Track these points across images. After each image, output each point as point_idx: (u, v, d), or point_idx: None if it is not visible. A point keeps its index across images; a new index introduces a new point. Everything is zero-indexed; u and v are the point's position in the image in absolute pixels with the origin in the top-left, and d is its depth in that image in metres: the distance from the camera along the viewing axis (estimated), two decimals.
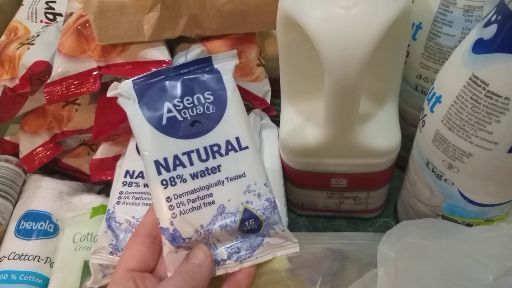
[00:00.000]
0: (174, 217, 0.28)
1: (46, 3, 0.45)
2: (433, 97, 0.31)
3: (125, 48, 0.37)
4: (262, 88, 0.42)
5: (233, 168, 0.29)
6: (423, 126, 0.33)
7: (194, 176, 0.28)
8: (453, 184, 0.33)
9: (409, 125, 0.42)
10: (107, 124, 0.41)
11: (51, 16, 0.45)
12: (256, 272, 0.30)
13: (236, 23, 0.39)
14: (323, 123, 0.34)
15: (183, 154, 0.28)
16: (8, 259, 0.39)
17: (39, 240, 0.41)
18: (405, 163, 0.40)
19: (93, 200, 0.42)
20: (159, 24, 0.36)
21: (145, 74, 0.29)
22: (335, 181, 0.40)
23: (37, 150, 0.45)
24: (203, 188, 0.28)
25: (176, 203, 0.28)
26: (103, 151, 0.45)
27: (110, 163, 0.44)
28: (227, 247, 0.29)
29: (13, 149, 0.46)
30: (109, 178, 0.44)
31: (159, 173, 0.28)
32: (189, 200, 0.28)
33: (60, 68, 0.38)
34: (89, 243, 0.39)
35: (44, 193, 0.44)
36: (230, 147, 0.29)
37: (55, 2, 0.46)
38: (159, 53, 0.38)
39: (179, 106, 0.29)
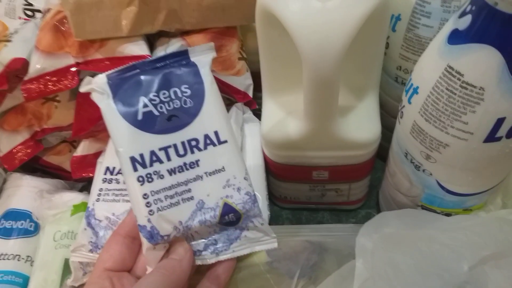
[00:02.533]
0: (151, 214, 0.27)
1: None
2: (410, 88, 0.31)
3: (103, 44, 0.37)
4: (243, 82, 0.42)
5: (212, 163, 0.28)
6: (401, 118, 0.33)
7: (171, 171, 0.28)
8: (431, 174, 0.33)
9: (390, 117, 0.42)
10: (87, 121, 0.41)
11: (30, 13, 0.44)
12: (235, 266, 0.30)
13: (216, 17, 0.38)
14: (303, 116, 0.35)
15: (160, 149, 0.28)
16: None
17: (20, 239, 0.40)
18: (385, 153, 0.40)
19: (74, 197, 0.42)
20: (138, 19, 0.36)
21: (119, 68, 0.28)
22: (316, 174, 0.40)
23: (17, 148, 0.44)
24: (181, 184, 0.28)
25: (153, 200, 0.27)
26: (84, 148, 0.44)
27: (91, 160, 0.44)
28: (204, 239, 0.29)
29: None
30: (91, 175, 0.43)
31: (135, 169, 0.27)
32: (166, 197, 0.27)
33: (38, 64, 0.37)
34: (69, 241, 0.39)
35: (24, 192, 0.44)
36: (208, 142, 0.28)
37: None
38: (138, 48, 0.37)
39: (155, 100, 0.28)
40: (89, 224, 0.34)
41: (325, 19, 0.29)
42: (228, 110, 0.43)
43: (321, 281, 0.29)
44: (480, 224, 0.30)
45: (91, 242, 0.34)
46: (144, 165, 0.27)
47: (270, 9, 0.31)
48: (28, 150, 0.44)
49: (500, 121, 0.27)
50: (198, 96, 0.29)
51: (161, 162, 0.28)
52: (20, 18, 0.45)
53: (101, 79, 0.28)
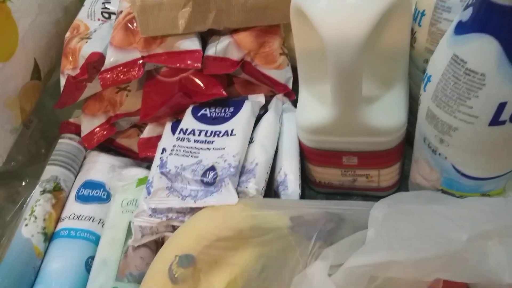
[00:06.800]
0: (170, 155, 0.43)
1: (103, 3, 0.53)
2: (426, 77, 0.34)
3: (163, 40, 0.44)
4: (284, 75, 0.47)
5: (220, 144, 0.43)
6: (419, 105, 0.36)
7: (196, 141, 0.44)
8: (446, 158, 0.35)
9: None
10: (152, 107, 0.48)
11: (106, 15, 0.53)
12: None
13: (258, 17, 0.44)
14: (330, 103, 0.38)
15: (198, 130, 0.45)
16: (69, 218, 0.47)
17: (94, 205, 0.48)
18: None
19: (139, 172, 0.49)
20: (191, 18, 0.42)
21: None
22: (346, 159, 0.43)
23: (95, 130, 0.52)
24: (196, 148, 0.43)
25: (176, 149, 0.43)
26: (149, 131, 0.51)
27: (155, 142, 0.51)
28: (192, 189, 0.41)
29: (76, 130, 0.54)
30: (154, 154, 0.50)
31: (179, 133, 0.45)
32: (184, 150, 0.43)
33: (112, 58, 0.45)
34: (134, 207, 0.46)
35: (100, 167, 0.51)
36: (225, 134, 0.44)
37: (109, 2, 0.53)
38: (192, 44, 0.44)
39: (212, 110, 0.47)
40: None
41: (346, 14, 0.33)
42: (269, 101, 0.48)
43: None
44: (486, 203, 0.32)
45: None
46: (184, 133, 0.44)
47: (301, 8, 0.36)
48: (104, 132, 0.52)
49: (502, 106, 0.29)
50: (234, 113, 0.46)
51: (194, 134, 0.44)
52: (99, 19, 0.53)
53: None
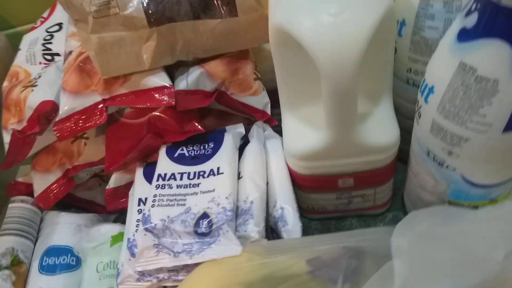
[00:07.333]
0: (152, 207, 0.37)
1: (43, 44, 0.47)
2: (425, 88, 0.33)
3: (127, 79, 0.39)
4: (261, 101, 0.44)
5: (207, 186, 0.38)
6: (419, 118, 0.34)
7: (179, 186, 0.38)
8: (455, 169, 0.34)
9: (405, 119, 0.43)
10: (118, 154, 0.43)
11: (49, 57, 0.47)
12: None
13: (229, 43, 0.40)
14: (325, 126, 0.36)
15: (178, 173, 0.39)
16: None
17: (63, 274, 0.42)
18: (404, 155, 0.41)
19: (111, 229, 0.44)
20: (157, 52, 0.38)
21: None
22: (342, 182, 0.41)
23: (51, 188, 0.46)
24: (182, 194, 0.38)
25: (158, 199, 0.37)
26: (115, 180, 0.46)
27: (123, 191, 0.45)
28: (185, 243, 0.36)
29: (27, 189, 0.47)
30: (124, 206, 0.45)
31: (158, 180, 0.39)
32: (167, 199, 0.37)
33: (67, 105, 0.39)
34: (112, 270, 0.41)
35: (62, 228, 0.45)
36: (211, 173, 0.39)
37: (51, 43, 0.47)
38: (160, 79, 0.39)
39: (189, 149, 0.41)
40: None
41: (338, 33, 0.31)
42: (248, 129, 0.44)
43: (362, 284, 0.30)
44: (509, 212, 0.30)
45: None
46: (163, 179, 0.39)
47: (284, 28, 0.33)
48: (61, 188, 0.46)
49: None
50: (215, 149, 0.41)
51: (175, 179, 0.39)
52: (40, 63, 0.47)
53: None
